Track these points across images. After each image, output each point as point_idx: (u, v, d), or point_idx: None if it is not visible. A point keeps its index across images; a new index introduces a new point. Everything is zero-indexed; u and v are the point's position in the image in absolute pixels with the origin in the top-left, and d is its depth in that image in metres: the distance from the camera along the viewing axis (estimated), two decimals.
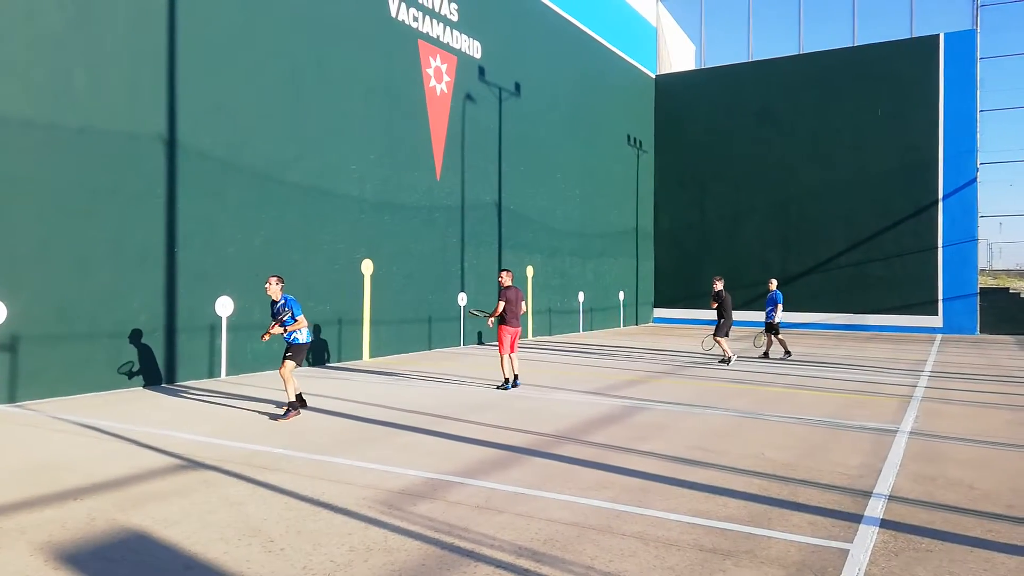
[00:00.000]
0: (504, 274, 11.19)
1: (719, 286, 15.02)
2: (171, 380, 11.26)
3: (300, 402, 8.70)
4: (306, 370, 13.18)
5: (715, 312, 14.98)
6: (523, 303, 11.33)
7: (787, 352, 16.11)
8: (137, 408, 9.13)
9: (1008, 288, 25.91)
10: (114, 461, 6.40)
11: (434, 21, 17.04)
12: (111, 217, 10.47)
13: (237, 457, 6.57)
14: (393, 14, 15.78)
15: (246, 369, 12.49)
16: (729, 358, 14.70)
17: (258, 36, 12.70)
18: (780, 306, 16.13)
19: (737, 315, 17.69)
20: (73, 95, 10.03)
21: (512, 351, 11.06)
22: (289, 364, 8.57)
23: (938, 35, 24.91)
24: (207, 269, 11.79)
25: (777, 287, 16.66)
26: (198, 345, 11.69)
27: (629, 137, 27.34)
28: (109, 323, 10.41)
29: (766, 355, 16.23)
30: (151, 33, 11.01)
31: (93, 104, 10.26)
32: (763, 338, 16.66)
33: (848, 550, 4.37)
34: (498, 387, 11.01)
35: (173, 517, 4.88)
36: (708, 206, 28.45)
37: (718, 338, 14.73)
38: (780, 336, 16.28)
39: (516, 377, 11.12)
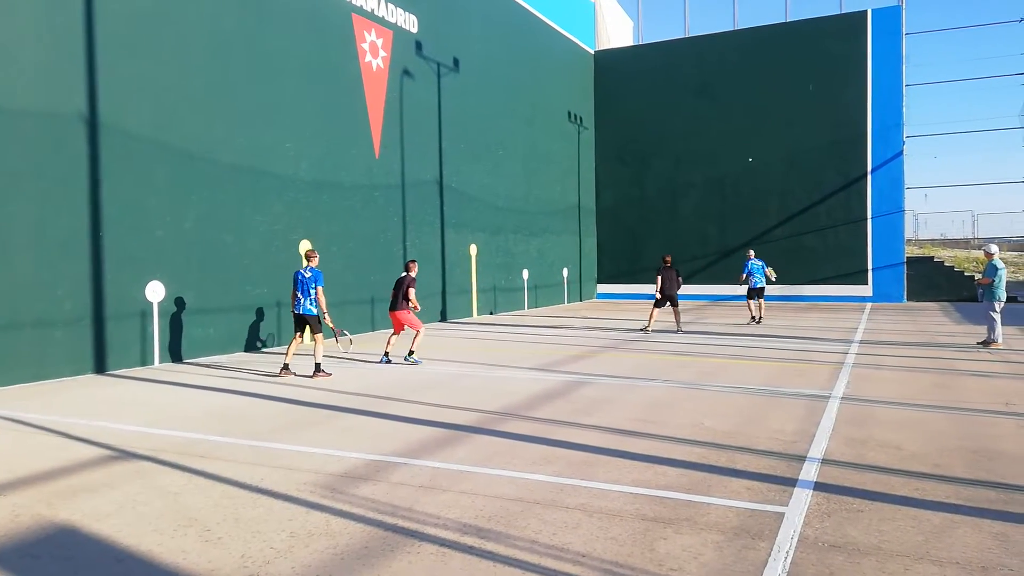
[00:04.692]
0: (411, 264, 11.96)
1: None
2: (101, 370, 10.83)
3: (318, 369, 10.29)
4: (244, 356, 12.88)
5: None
6: (407, 288, 11.45)
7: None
8: (65, 399, 8.76)
9: (933, 257, 26.98)
10: (40, 454, 6.13)
11: None
12: (32, 201, 9.94)
13: (172, 446, 6.37)
14: None
15: (181, 356, 12.11)
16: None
17: (181, 8, 12.16)
18: (744, 275, 18.13)
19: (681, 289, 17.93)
20: None
21: (396, 331, 11.91)
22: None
23: (866, 11, 25.55)
24: (135, 253, 11.34)
25: (755, 256, 18.63)
26: (129, 332, 11.26)
27: (570, 113, 27.33)
28: (31, 312, 9.92)
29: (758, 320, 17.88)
30: (66, 6, 10.43)
31: (5, 83, 9.68)
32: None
33: (784, 513, 4.50)
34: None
35: (104, 510, 4.70)
36: (648, 182, 28.72)
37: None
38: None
39: (386, 354, 11.73)
